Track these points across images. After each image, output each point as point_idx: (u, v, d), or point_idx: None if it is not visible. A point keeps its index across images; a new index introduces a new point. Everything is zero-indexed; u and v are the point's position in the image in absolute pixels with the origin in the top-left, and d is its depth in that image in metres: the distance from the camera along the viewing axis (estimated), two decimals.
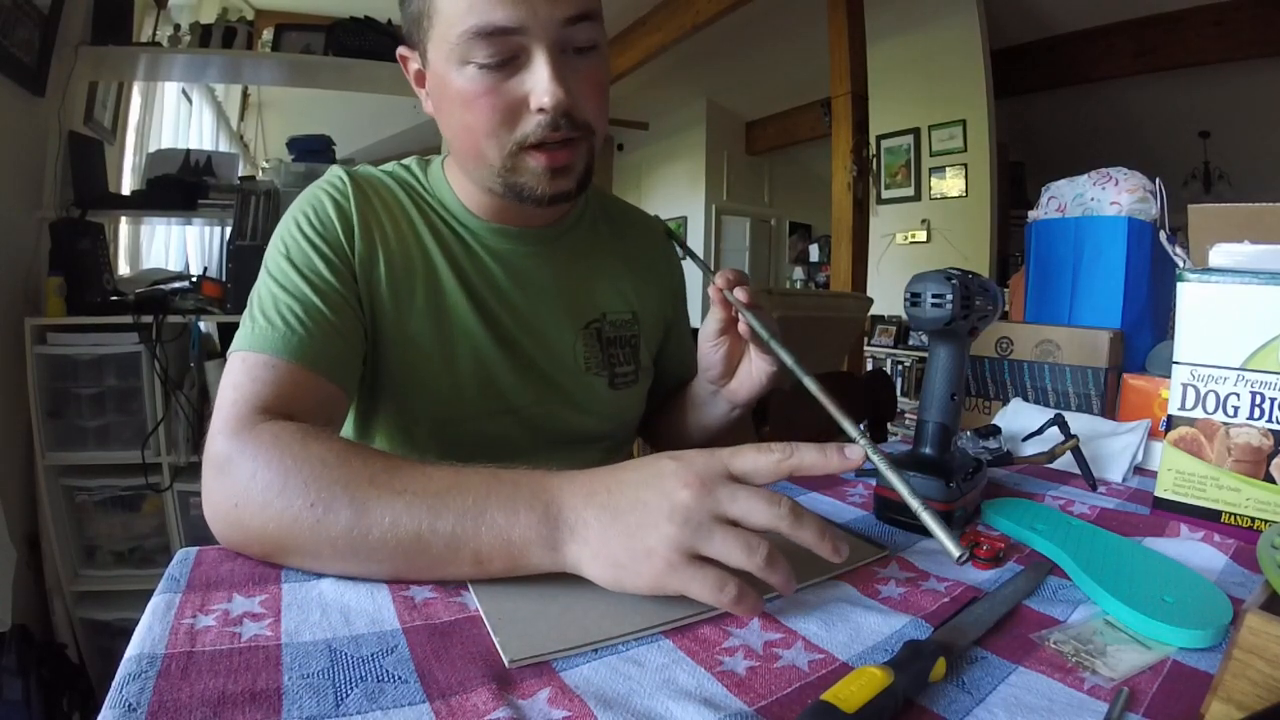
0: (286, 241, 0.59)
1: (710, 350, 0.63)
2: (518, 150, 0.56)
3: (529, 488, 0.41)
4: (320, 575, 0.42)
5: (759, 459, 0.40)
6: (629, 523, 0.38)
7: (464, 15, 0.52)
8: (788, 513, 0.38)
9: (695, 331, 0.69)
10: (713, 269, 0.60)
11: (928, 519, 0.38)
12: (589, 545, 0.39)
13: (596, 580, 0.39)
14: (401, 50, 0.63)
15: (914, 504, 0.39)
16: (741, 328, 0.57)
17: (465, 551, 0.40)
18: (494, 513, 0.40)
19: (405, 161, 0.70)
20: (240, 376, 0.51)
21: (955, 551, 0.37)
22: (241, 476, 0.44)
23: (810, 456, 0.40)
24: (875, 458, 0.41)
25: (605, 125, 0.61)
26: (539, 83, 0.53)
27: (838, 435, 0.45)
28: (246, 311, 0.56)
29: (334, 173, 0.65)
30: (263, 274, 0.58)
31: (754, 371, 0.63)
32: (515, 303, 0.67)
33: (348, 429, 0.67)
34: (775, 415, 1.12)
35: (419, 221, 0.65)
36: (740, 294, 0.55)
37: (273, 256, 0.59)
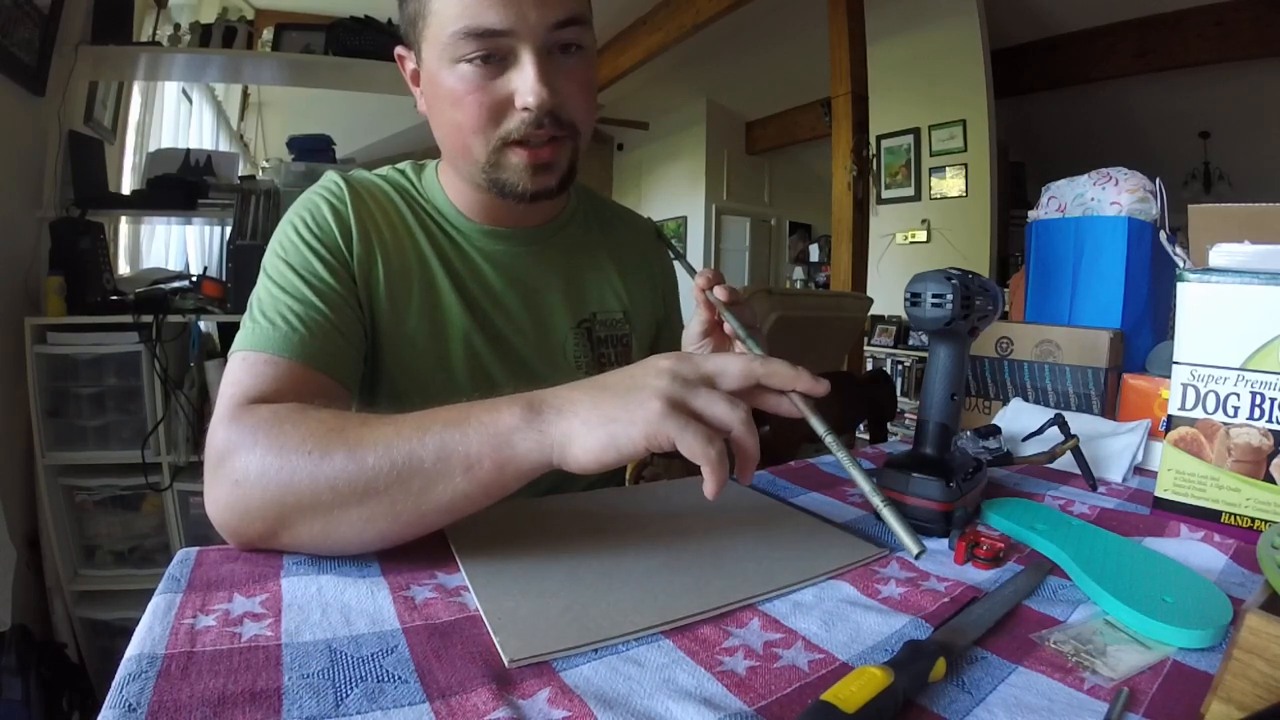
0: (284, 245, 0.60)
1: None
2: (501, 146, 0.58)
3: (509, 398, 0.44)
4: (320, 572, 0.41)
5: (729, 359, 0.44)
6: (619, 386, 0.42)
7: (456, 16, 0.54)
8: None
9: None
10: (711, 269, 0.59)
11: (887, 514, 0.39)
12: (578, 415, 0.41)
13: (584, 458, 0.40)
14: (399, 50, 0.64)
15: (875, 500, 0.39)
16: (726, 328, 0.57)
17: (455, 458, 0.41)
18: (478, 414, 0.42)
19: (400, 166, 0.71)
20: (240, 374, 0.51)
21: (914, 549, 0.37)
22: (242, 449, 0.44)
23: (779, 366, 0.43)
24: (840, 455, 0.42)
25: (591, 124, 0.62)
26: (524, 82, 0.55)
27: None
28: (246, 315, 0.56)
29: (330, 178, 0.65)
30: (261, 278, 0.59)
31: None
32: (507, 303, 0.67)
33: None
34: (775, 417, 1.11)
35: (413, 224, 0.66)
36: (719, 292, 0.55)
37: (271, 261, 0.59)
